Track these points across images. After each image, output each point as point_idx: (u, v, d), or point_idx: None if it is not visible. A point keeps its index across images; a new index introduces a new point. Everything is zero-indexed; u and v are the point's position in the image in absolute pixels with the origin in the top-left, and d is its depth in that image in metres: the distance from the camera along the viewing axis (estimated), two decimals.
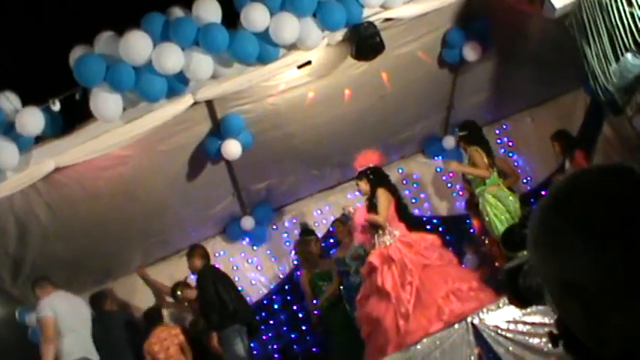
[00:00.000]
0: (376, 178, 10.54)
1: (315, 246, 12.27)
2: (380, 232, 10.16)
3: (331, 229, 13.02)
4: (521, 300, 1.97)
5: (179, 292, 11.95)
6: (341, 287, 11.53)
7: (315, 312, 11.97)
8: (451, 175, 13.37)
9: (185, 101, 9.12)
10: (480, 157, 10.90)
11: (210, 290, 10.51)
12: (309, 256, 12.25)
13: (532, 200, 12.49)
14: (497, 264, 11.43)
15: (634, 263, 1.46)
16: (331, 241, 13.26)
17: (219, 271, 11.11)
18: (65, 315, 9.75)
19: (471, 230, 12.80)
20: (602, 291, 1.49)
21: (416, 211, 13.23)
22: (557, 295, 1.58)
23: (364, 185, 10.54)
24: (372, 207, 10.35)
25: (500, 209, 10.62)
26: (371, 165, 10.70)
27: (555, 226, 1.55)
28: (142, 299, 12.25)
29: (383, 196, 10.26)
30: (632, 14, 8.63)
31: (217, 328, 10.56)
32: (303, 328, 13.03)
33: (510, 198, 10.90)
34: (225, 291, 10.53)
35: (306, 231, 12.67)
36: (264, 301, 13.13)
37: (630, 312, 1.47)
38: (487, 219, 10.69)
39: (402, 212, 10.50)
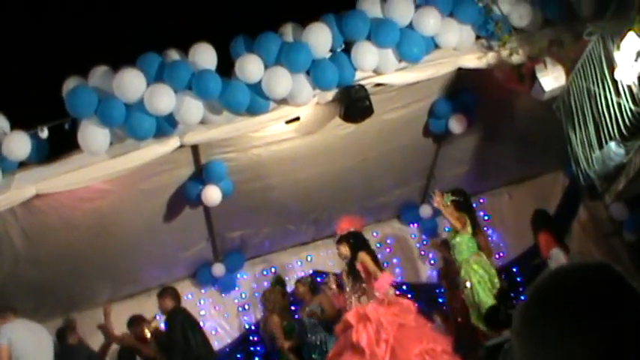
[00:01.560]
0: (356, 242, 10.63)
1: (283, 298, 12.27)
2: (359, 292, 10.21)
3: (290, 289, 13.02)
4: None
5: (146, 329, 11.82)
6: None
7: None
8: (425, 243, 13.45)
9: (172, 143, 9.17)
10: (465, 223, 10.94)
11: (178, 331, 10.46)
12: (281, 306, 12.22)
13: (503, 276, 12.53)
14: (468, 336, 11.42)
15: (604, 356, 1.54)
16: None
17: (190, 315, 11.06)
18: (23, 344, 9.62)
19: (440, 300, 12.85)
20: None
21: None
22: None
23: (344, 249, 10.62)
24: (351, 270, 10.41)
25: (484, 279, 10.64)
26: (351, 230, 10.77)
27: (533, 319, 1.66)
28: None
29: (366, 257, 10.34)
30: (619, 104, 8.76)
31: None
32: None
33: (492, 269, 10.92)
34: (193, 336, 10.48)
35: (278, 281, 12.67)
36: (227, 350, 13.04)
37: None
38: (468, 286, 10.65)
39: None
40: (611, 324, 1.57)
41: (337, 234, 10.88)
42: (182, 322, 10.57)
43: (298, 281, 12.25)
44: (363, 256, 10.39)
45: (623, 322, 1.57)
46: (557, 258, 11.12)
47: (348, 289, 10.46)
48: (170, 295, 11.02)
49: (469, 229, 10.87)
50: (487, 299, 10.35)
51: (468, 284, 10.66)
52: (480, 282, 10.60)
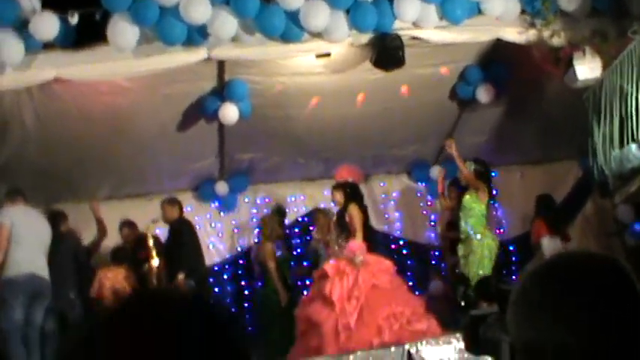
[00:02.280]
0: (352, 193, 10.70)
1: (281, 230, 12.34)
2: (343, 244, 10.26)
3: (306, 219, 13.08)
4: (476, 348, 2.02)
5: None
6: None
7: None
8: (429, 204, 13.43)
9: (199, 54, 9.14)
10: (485, 195, 10.91)
11: (188, 241, 10.85)
12: (276, 235, 12.28)
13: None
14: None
15: (593, 346, 1.52)
16: (295, 230, 13.32)
17: (192, 227, 11.34)
18: (22, 228, 9.69)
19: (433, 262, 12.90)
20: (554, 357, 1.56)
21: (385, 228, 13.29)
22: (518, 355, 1.64)
23: (339, 196, 10.69)
24: (340, 220, 10.46)
25: (492, 255, 10.63)
26: (350, 180, 10.80)
27: (533, 294, 1.64)
28: None
29: (356, 212, 10.38)
30: None
31: (195, 274, 10.77)
32: (245, 305, 13.03)
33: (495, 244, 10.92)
34: (187, 246, 10.83)
35: (279, 210, 12.74)
36: (215, 268, 13.09)
37: None
38: (478, 256, 10.60)
39: (367, 232, 10.59)
40: (610, 319, 1.56)
41: (336, 180, 10.93)
42: (191, 234, 10.79)
43: (320, 211, 12.18)
44: (353, 209, 10.44)
45: (622, 320, 1.56)
46: (548, 246, 11.15)
47: (333, 237, 10.53)
48: (179, 205, 11.23)
49: (486, 200, 10.85)
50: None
51: (475, 255, 10.60)
52: (488, 256, 10.58)
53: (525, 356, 1.63)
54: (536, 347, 1.60)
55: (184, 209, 11.96)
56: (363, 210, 10.67)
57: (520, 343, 1.64)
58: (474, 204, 10.75)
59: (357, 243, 10.20)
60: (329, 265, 10.16)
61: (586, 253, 1.69)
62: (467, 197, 10.84)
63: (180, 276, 10.59)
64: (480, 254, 10.56)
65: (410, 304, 9.96)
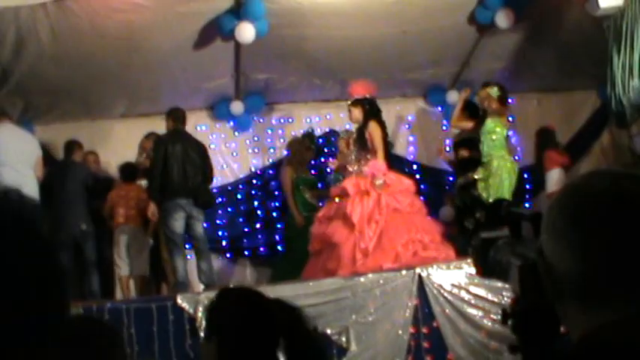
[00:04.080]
0: (372, 109, 10.50)
1: (310, 155, 12.36)
2: (363, 161, 10.19)
3: (322, 140, 13.20)
4: (485, 270, 2.03)
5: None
6: None
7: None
8: (444, 129, 13.37)
9: None
10: (506, 121, 10.90)
11: (161, 154, 10.38)
12: (300, 159, 12.35)
13: None
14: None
15: (611, 271, 1.53)
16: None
17: (187, 138, 10.82)
18: (6, 146, 9.66)
19: (447, 187, 12.90)
20: (564, 276, 1.59)
21: (399, 151, 13.28)
22: (540, 269, 1.65)
23: (358, 113, 10.47)
24: (360, 137, 10.36)
25: (513, 181, 10.63)
26: (367, 95, 10.64)
27: (553, 218, 1.65)
28: (115, 147, 12.27)
29: (377, 129, 10.25)
30: None
31: (155, 198, 10.42)
32: (257, 225, 13.13)
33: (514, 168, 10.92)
34: (177, 161, 10.37)
35: (311, 138, 12.72)
36: (229, 188, 13.16)
37: (594, 312, 1.55)
38: (498, 179, 10.58)
39: (387, 149, 10.52)
40: (621, 248, 1.55)
41: (352, 95, 10.72)
42: (166, 146, 10.42)
43: (340, 137, 12.11)
44: (373, 125, 10.30)
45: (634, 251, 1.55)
46: (553, 178, 11.19)
47: (353, 155, 10.44)
48: (172, 116, 10.82)
49: (508, 125, 10.84)
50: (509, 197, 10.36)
51: (495, 179, 10.58)
52: (510, 182, 10.57)
53: (542, 269, 1.65)
54: (548, 261, 1.62)
55: (198, 128, 11.98)
56: (383, 126, 10.51)
57: (543, 263, 1.65)
58: (498, 127, 10.71)
59: (378, 163, 10.13)
60: (350, 182, 10.08)
61: (613, 171, 1.67)
62: (489, 121, 10.77)
63: (151, 208, 10.44)
64: (500, 177, 10.55)
65: (429, 231, 9.99)
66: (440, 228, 10.36)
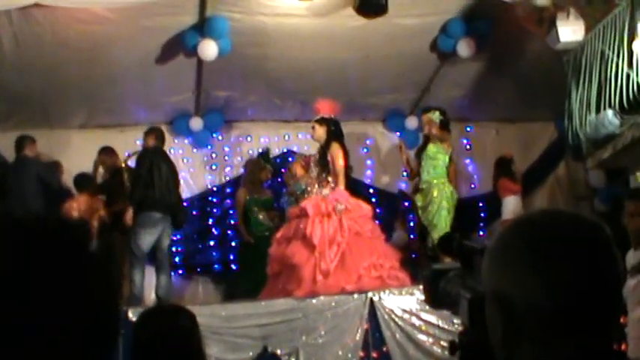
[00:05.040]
0: (336, 130, 10.47)
1: (265, 175, 12.31)
2: (324, 183, 10.17)
3: (279, 160, 13.18)
4: (434, 300, 2.04)
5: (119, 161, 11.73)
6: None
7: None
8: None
9: None
10: (449, 145, 10.92)
11: (146, 167, 10.44)
12: (254, 179, 12.30)
13: (467, 207, 12.67)
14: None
15: (563, 303, 1.55)
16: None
17: (168, 158, 10.99)
18: None
19: (403, 211, 12.94)
20: (527, 312, 1.59)
21: (356, 175, 13.29)
22: (486, 304, 1.66)
23: (322, 132, 10.40)
24: (321, 158, 10.34)
25: (451, 208, 10.66)
26: (333, 116, 10.64)
27: (512, 244, 1.67)
28: (72, 158, 12.14)
29: (339, 152, 10.21)
30: (628, 75, 8.72)
31: (136, 203, 10.39)
32: (212, 243, 13.08)
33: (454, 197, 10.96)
34: (161, 177, 10.44)
35: (266, 157, 12.64)
36: (185, 204, 13.10)
37: (542, 345, 1.57)
38: (436, 206, 10.63)
39: (348, 174, 10.50)
40: (583, 279, 1.58)
41: (318, 113, 10.68)
42: (152, 160, 10.50)
43: (296, 160, 12.14)
44: (336, 147, 10.26)
45: (595, 281, 1.58)
46: (508, 206, 11.29)
47: (313, 176, 10.42)
48: (154, 134, 10.90)
49: (450, 152, 10.86)
50: (445, 226, 10.39)
51: (434, 206, 10.64)
52: (448, 208, 10.61)
53: (494, 305, 1.65)
54: (505, 297, 1.62)
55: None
56: (345, 150, 10.44)
57: (491, 291, 1.66)
58: (439, 154, 10.78)
59: (339, 190, 10.11)
60: (309, 203, 10.01)
61: (572, 212, 1.71)
62: (431, 147, 10.83)
63: (129, 212, 10.43)
64: (439, 205, 10.60)
65: (389, 257, 9.98)
66: (398, 255, 10.37)
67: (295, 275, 9.58)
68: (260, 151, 12.94)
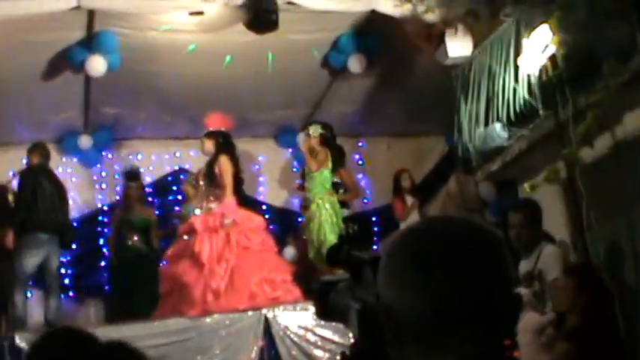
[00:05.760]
0: (225, 143, 10.45)
1: (136, 192, 12.09)
2: (211, 197, 10.10)
3: (170, 178, 13.15)
4: (325, 313, 2.00)
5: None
6: None
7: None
8: (294, 170, 13.41)
9: (68, 2, 8.86)
10: (326, 158, 10.95)
11: (29, 187, 10.17)
12: (126, 200, 12.14)
13: (361, 221, 12.73)
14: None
15: (443, 312, 1.52)
16: (159, 189, 13.27)
17: (53, 176, 10.68)
18: None
19: (297, 227, 12.92)
20: (409, 322, 1.56)
21: (249, 191, 13.25)
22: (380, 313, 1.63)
23: (210, 145, 10.42)
24: (209, 171, 10.27)
25: (332, 219, 10.69)
26: (223, 129, 10.58)
27: (391, 258, 1.64)
28: None
29: (227, 164, 10.16)
30: (514, 90, 8.91)
31: (19, 225, 10.09)
32: (102, 264, 12.80)
33: (342, 211, 11.02)
34: (45, 195, 10.17)
35: (130, 176, 12.39)
36: (74, 224, 12.83)
37: (425, 356, 1.53)
38: (315, 222, 10.69)
39: (237, 186, 10.45)
40: (456, 287, 1.56)
41: (207, 127, 10.67)
42: (35, 179, 10.24)
43: (186, 181, 12.02)
44: (223, 160, 10.21)
45: (469, 290, 1.54)
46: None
47: (200, 190, 10.36)
48: (37, 151, 10.63)
49: (329, 164, 10.91)
50: (331, 239, 10.42)
51: (314, 220, 10.69)
52: (328, 221, 10.65)
53: (385, 319, 1.63)
54: (390, 306, 1.60)
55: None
56: (235, 161, 10.45)
57: (382, 305, 1.63)
58: (316, 172, 10.85)
59: (227, 203, 10.04)
60: (197, 219, 9.97)
61: (460, 219, 1.68)
62: (308, 164, 10.94)
63: (9, 236, 10.10)
64: (319, 219, 10.63)
65: (280, 270, 9.96)
66: (289, 267, 10.36)
67: (186, 295, 9.51)
68: (125, 169, 12.75)
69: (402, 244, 1.64)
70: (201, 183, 10.41)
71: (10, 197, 10.92)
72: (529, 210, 7.23)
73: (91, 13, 9.63)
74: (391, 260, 1.63)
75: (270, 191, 13.72)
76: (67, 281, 12.53)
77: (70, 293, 12.59)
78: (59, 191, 10.53)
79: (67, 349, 3.30)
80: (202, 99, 11.65)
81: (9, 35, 9.60)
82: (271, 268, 9.80)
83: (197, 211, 10.58)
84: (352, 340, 1.83)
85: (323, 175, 10.89)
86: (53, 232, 10.20)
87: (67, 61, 10.42)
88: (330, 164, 10.94)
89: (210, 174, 10.25)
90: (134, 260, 11.37)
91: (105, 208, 13.14)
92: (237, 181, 10.46)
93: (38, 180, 10.23)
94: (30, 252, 9.98)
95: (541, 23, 8.30)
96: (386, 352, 1.64)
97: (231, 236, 9.74)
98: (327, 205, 10.72)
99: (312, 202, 10.78)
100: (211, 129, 10.60)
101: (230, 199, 10.07)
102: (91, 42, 10.07)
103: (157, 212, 12.56)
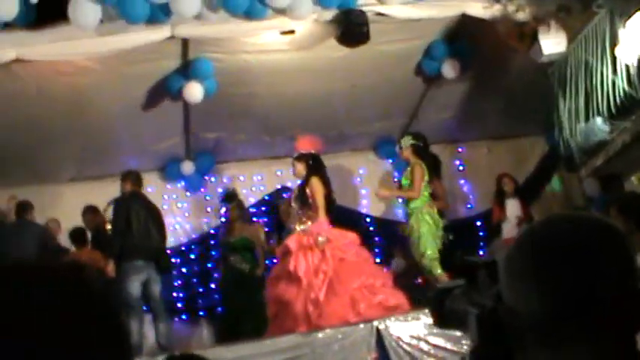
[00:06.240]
0: (315, 165, 10.47)
1: (235, 212, 12.20)
2: (304, 218, 10.16)
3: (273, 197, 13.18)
4: (442, 320, 2.00)
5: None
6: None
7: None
8: (395, 180, 13.36)
9: (162, 32, 9.07)
10: (420, 172, 10.81)
11: (122, 216, 10.32)
12: (227, 222, 12.34)
13: (465, 227, 12.65)
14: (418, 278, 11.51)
15: (565, 317, 1.50)
16: (262, 209, 13.32)
17: (146, 201, 10.81)
18: None
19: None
20: (529, 322, 1.56)
21: (352, 205, 13.30)
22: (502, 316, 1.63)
23: (301, 168, 10.43)
24: (300, 193, 10.35)
25: (432, 230, 10.56)
26: (312, 151, 10.66)
27: (513, 261, 1.64)
28: (65, 211, 12.08)
29: (318, 186, 10.21)
30: (613, 82, 8.75)
31: (116, 256, 10.22)
32: (212, 286, 12.99)
33: (440, 221, 10.86)
34: (139, 222, 10.31)
35: (226, 198, 12.53)
36: (183, 248, 13.07)
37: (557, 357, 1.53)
38: (417, 235, 10.55)
39: (330, 206, 10.48)
40: (578, 288, 1.54)
41: (298, 150, 10.74)
42: (128, 206, 10.38)
43: (279, 205, 12.12)
44: (314, 181, 10.23)
45: (594, 287, 1.53)
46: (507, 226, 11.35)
47: (293, 212, 10.43)
48: (130, 178, 10.72)
49: (427, 193, 10.72)
50: (432, 251, 10.30)
51: (415, 233, 10.55)
52: (429, 232, 10.50)
53: (508, 322, 1.63)
54: (514, 313, 1.60)
55: (149, 190, 11.86)
56: (325, 182, 10.43)
57: (504, 308, 1.64)
58: (409, 182, 10.71)
59: (319, 223, 10.09)
60: (291, 240, 10.01)
61: (577, 215, 1.67)
62: (403, 179, 10.83)
63: (110, 265, 10.23)
64: (419, 232, 10.49)
65: (379, 276, 9.96)
66: (388, 275, 10.35)
67: (289, 312, 9.57)
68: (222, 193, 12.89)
69: (524, 244, 1.64)
70: (294, 205, 10.46)
71: (108, 227, 11.17)
72: (624, 203, 7.02)
73: (185, 42, 9.81)
74: (513, 261, 1.63)
75: (372, 203, 13.70)
76: (179, 304, 12.76)
77: (183, 316, 12.82)
78: (153, 217, 10.65)
79: None
80: (300, 116, 11.73)
81: (109, 70, 9.87)
82: (369, 275, 9.80)
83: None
84: (469, 347, 1.83)
85: (420, 187, 10.73)
86: (149, 258, 10.33)
87: (165, 90, 10.63)
88: (424, 175, 10.78)
89: (302, 196, 10.31)
90: (238, 281, 11.45)
91: (211, 231, 13.31)
92: (329, 201, 10.47)
93: (131, 207, 10.36)
94: (129, 279, 10.10)
95: (636, 11, 8.15)
96: (508, 356, 1.63)
97: (326, 251, 9.77)
98: (427, 217, 10.59)
99: (412, 214, 10.64)
100: (301, 151, 10.65)
101: (322, 219, 10.11)
102: (187, 69, 10.26)
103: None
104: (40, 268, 1.35)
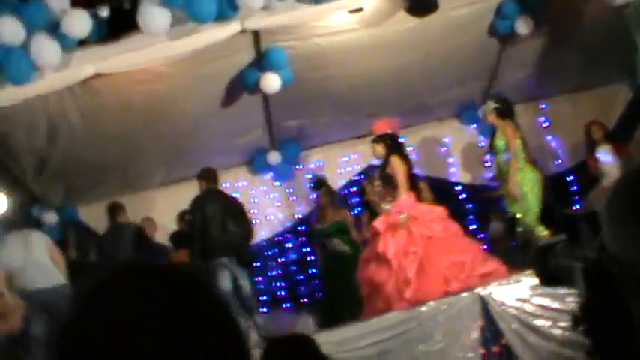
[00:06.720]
0: (393, 144, 10.50)
1: (324, 199, 12.27)
2: (389, 198, 10.16)
3: (362, 177, 13.10)
4: (547, 278, 1.99)
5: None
6: None
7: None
8: (482, 145, 13.23)
9: (232, 27, 9.11)
10: (511, 131, 10.68)
11: (198, 215, 10.49)
12: (317, 209, 12.45)
13: (556, 184, 12.50)
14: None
15: None
16: (353, 189, 13.35)
17: (222, 197, 10.94)
18: (15, 261, 9.34)
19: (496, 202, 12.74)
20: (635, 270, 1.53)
21: (441, 174, 13.23)
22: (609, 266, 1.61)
23: (380, 149, 10.49)
24: (382, 174, 10.35)
25: (536, 187, 10.45)
26: (389, 131, 10.67)
27: (613, 207, 1.61)
28: (159, 215, 12.30)
29: (399, 164, 10.20)
30: None
31: (200, 259, 10.44)
32: (311, 271, 13.11)
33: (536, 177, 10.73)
34: (215, 220, 10.42)
35: (314, 186, 12.61)
36: (277, 238, 13.19)
37: None
38: (522, 191, 10.39)
39: (413, 182, 10.47)
40: None
41: (375, 133, 10.77)
42: (203, 205, 10.52)
43: (365, 184, 12.13)
44: (395, 160, 10.22)
45: None
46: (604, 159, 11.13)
47: (378, 193, 10.43)
48: (204, 177, 10.94)
49: (517, 135, 10.61)
50: (536, 208, 10.22)
51: (521, 189, 10.42)
52: (534, 190, 10.41)
53: (617, 271, 1.60)
54: (620, 261, 1.57)
55: (239, 184, 11.98)
56: (406, 160, 10.47)
57: (610, 257, 1.61)
58: (503, 143, 10.57)
59: (402, 200, 10.10)
60: (379, 221, 10.07)
61: None
62: (496, 140, 10.69)
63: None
64: (522, 190, 10.35)
65: (468, 251, 9.90)
66: (479, 245, 10.30)
67: (381, 294, 9.62)
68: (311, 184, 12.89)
69: (621, 188, 1.61)
70: (377, 186, 10.47)
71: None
72: None
73: (256, 34, 9.88)
74: (612, 207, 1.60)
75: (462, 170, 13.61)
76: (282, 293, 12.90)
77: (286, 304, 12.96)
78: (231, 212, 10.70)
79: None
80: (377, 93, 11.72)
81: (185, 72, 9.99)
82: (459, 251, 9.75)
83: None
84: (577, 303, 1.81)
85: (514, 146, 10.60)
86: (229, 254, 10.46)
87: (242, 84, 10.71)
88: (517, 134, 10.64)
89: (384, 176, 10.33)
90: (340, 264, 11.50)
91: (304, 218, 13.38)
92: (412, 178, 10.46)
93: (205, 205, 10.51)
94: (218, 277, 10.26)
95: None
96: (618, 305, 1.62)
97: (413, 230, 9.76)
98: (526, 177, 10.46)
99: (511, 174, 10.47)
100: (378, 133, 10.68)
101: (405, 196, 10.10)
102: (261, 61, 10.31)
103: (354, 212, 12.70)
104: (161, 270, 1.39)
